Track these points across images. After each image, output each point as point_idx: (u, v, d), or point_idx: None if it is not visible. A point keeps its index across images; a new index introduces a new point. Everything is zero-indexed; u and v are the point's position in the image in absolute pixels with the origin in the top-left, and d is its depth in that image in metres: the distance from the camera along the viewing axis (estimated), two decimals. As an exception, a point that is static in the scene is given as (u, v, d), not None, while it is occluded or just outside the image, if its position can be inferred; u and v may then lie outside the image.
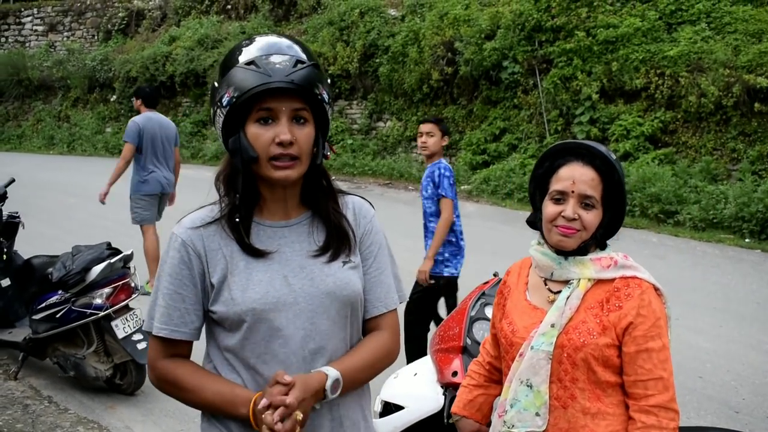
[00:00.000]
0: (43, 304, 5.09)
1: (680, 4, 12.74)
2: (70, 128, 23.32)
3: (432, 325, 5.19)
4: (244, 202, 1.79)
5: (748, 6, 12.24)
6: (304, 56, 1.74)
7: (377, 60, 16.38)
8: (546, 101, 13.52)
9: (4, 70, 24.80)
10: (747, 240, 9.69)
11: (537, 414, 1.95)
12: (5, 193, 5.86)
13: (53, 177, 15.54)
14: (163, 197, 7.78)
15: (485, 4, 14.91)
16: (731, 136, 11.50)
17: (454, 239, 5.37)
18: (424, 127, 5.43)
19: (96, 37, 25.36)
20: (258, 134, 1.71)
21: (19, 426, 4.65)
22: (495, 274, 3.17)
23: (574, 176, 1.99)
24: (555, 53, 13.50)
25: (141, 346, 5.01)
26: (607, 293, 1.97)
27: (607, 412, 1.94)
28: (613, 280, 1.98)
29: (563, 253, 2.03)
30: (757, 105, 11.02)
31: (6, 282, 5.62)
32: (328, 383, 1.73)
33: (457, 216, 5.40)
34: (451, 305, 5.03)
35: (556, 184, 2.02)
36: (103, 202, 7.67)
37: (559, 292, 2.03)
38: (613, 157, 2.02)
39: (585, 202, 1.98)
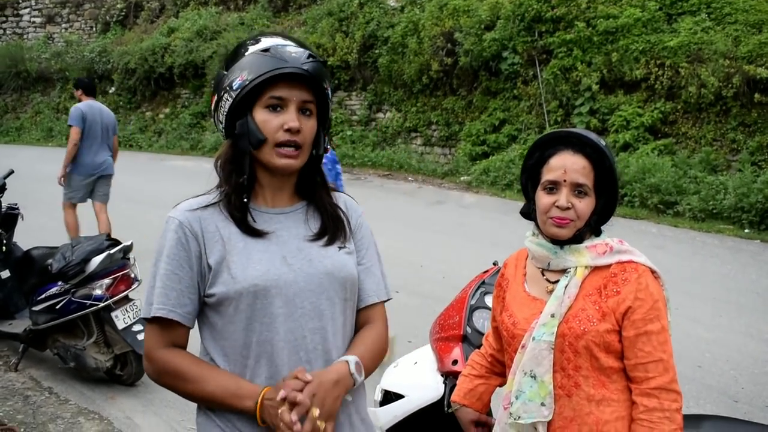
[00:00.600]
0: (43, 296, 5.09)
1: (680, -5, 12.71)
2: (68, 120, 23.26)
3: None
4: (242, 187, 1.82)
5: (748, -4, 12.22)
6: (314, 53, 1.81)
7: (377, 51, 16.34)
8: (546, 92, 13.49)
9: (2, 63, 24.72)
10: (746, 230, 9.70)
11: (542, 404, 1.96)
12: (4, 184, 5.86)
13: (52, 169, 15.44)
14: (100, 180, 8.50)
15: (485, -5, 14.89)
16: (731, 127, 11.49)
17: None
18: None
19: (94, 29, 25.29)
20: (267, 120, 1.76)
21: (20, 417, 4.65)
22: (495, 263, 3.17)
23: (566, 165, 1.99)
24: (555, 44, 13.47)
25: (141, 336, 5.01)
26: (604, 279, 1.97)
27: (611, 398, 1.95)
28: (609, 266, 1.98)
29: (558, 242, 2.03)
30: (757, 96, 11.01)
31: (6, 274, 5.62)
32: (352, 367, 1.77)
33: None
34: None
35: (548, 174, 2.02)
36: (61, 185, 8.37)
37: (557, 281, 2.03)
38: (603, 143, 2.02)
39: (577, 190, 1.99)
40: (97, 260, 4.96)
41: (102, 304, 4.93)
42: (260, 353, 1.76)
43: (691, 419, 2.58)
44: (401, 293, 7.00)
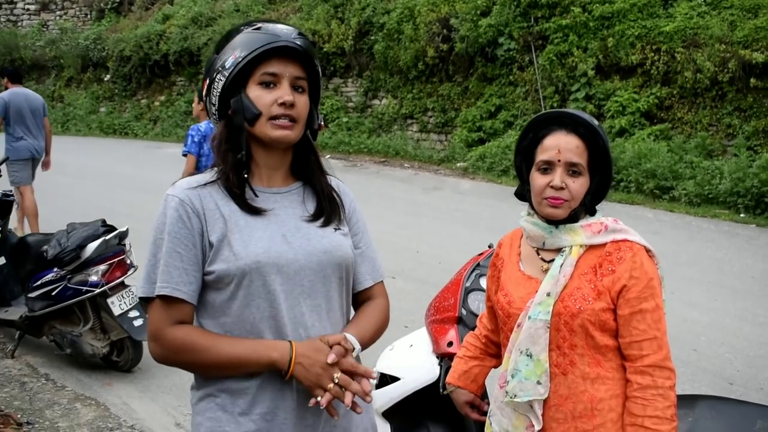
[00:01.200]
0: (39, 282, 5.08)
1: (676, -21, 12.68)
2: (63, 108, 23.24)
3: None
4: (240, 164, 1.82)
5: (744, -20, 12.19)
6: (303, 32, 1.86)
7: (372, 37, 16.30)
8: (542, 78, 13.47)
9: (-3, 50, 24.67)
10: (742, 215, 9.72)
11: (538, 382, 1.96)
12: (-2, 171, 5.85)
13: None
14: (34, 161, 8.72)
15: (480, -20, 14.84)
16: (727, 112, 11.50)
17: None
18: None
19: (89, 16, 25.20)
20: (260, 96, 1.78)
21: (17, 404, 4.66)
22: (490, 246, 3.17)
23: (559, 145, 1.99)
24: (551, 29, 13.44)
25: (137, 322, 5.01)
26: (599, 258, 1.98)
27: (606, 376, 1.96)
28: (604, 244, 1.99)
29: (553, 221, 2.03)
30: (752, 80, 11.02)
31: (1, 261, 5.62)
32: (356, 353, 1.82)
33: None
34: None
35: (542, 155, 2.02)
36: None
37: (552, 260, 2.03)
38: (596, 123, 2.03)
39: (572, 169, 1.99)
40: (92, 246, 4.95)
41: (98, 291, 4.93)
42: (261, 330, 1.76)
43: (685, 399, 2.58)
44: (398, 279, 7.01)
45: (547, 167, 2.00)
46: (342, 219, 1.95)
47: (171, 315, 1.75)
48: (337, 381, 1.70)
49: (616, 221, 2.05)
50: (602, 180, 2.06)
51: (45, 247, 5.11)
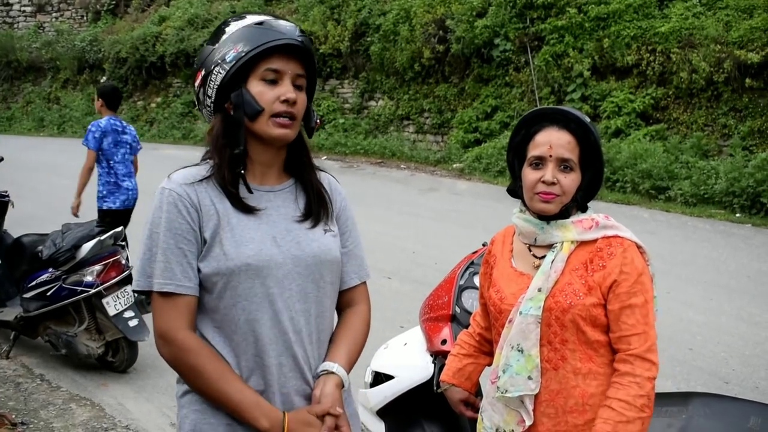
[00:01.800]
0: (34, 283, 5.08)
1: (672, -20, 12.71)
2: (60, 110, 23.22)
3: None
4: (236, 160, 1.80)
5: (739, -19, 12.21)
6: (302, 30, 1.85)
7: (368, 39, 16.30)
8: (538, 78, 13.48)
9: (-7, 52, 24.65)
10: (737, 214, 9.74)
11: (529, 377, 1.97)
12: (-6, 172, 5.84)
13: (44, 158, 15.46)
14: None
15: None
16: (722, 112, 11.52)
17: (113, 179, 6.40)
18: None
19: (85, 18, 25.17)
20: (263, 92, 1.77)
21: (12, 404, 4.64)
22: (484, 244, 3.17)
23: (551, 140, 2.01)
24: (546, 30, 13.46)
25: (133, 323, 5.00)
26: (590, 254, 1.99)
27: (598, 371, 1.96)
28: (595, 240, 2.00)
29: (545, 217, 2.04)
30: (748, 80, 11.03)
31: (-4, 261, 5.61)
32: (346, 386, 1.86)
33: (121, 162, 6.46)
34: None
35: (534, 150, 2.04)
36: None
37: (544, 256, 2.04)
38: (587, 119, 2.05)
39: (563, 165, 2.00)
40: (87, 246, 4.95)
41: (93, 291, 4.92)
42: (247, 332, 1.76)
43: (679, 397, 2.59)
44: (394, 279, 7.02)
45: (539, 163, 2.02)
46: (331, 217, 1.94)
47: (180, 314, 1.73)
48: None
49: (608, 217, 2.06)
50: (594, 177, 2.07)
51: (40, 247, 5.11)
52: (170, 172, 1.83)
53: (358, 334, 1.95)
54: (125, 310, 5.04)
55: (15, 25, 26.39)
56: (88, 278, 4.95)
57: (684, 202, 10.35)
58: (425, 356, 2.79)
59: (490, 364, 2.31)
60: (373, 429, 2.94)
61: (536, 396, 1.99)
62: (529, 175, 2.03)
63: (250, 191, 1.81)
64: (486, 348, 2.34)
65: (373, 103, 16.90)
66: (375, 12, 16.27)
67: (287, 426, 1.70)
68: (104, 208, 6.38)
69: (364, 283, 2.02)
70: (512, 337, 2.00)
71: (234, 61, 1.75)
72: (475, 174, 13.10)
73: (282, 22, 1.82)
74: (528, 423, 1.99)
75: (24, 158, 14.79)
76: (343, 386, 1.83)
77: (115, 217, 6.28)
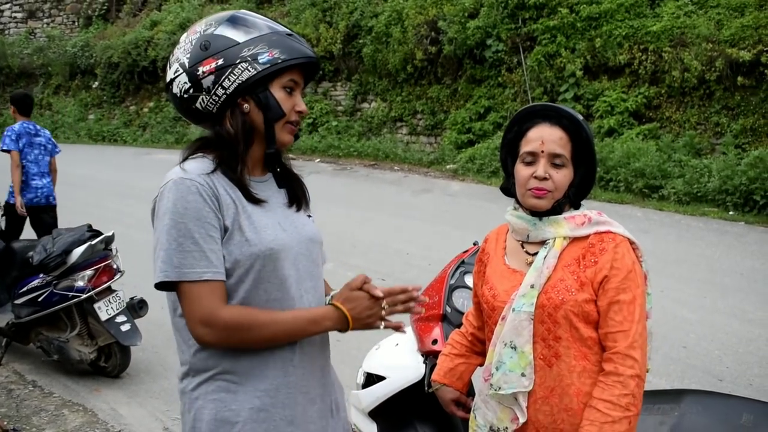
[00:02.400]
0: (25, 288, 5.06)
1: (663, -21, 12.72)
2: (52, 116, 23.15)
3: None
4: (244, 156, 1.91)
5: (730, -21, 12.24)
6: None
7: (361, 41, 16.29)
8: (530, 79, 13.49)
9: (-16, 59, 24.55)
10: (731, 213, 9.75)
11: (522, 374, 1.96)
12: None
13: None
14: None
15: (468, -18, 14.85)
16: (714, 110, 11.53)
17: (24, 177, 6.78)
18: None
19: (76, 24, 25.11)
20: (284, 99, 1.90)
21: (4, 410, 4.63)
22: (475, 243, 3.16)
23: (543, 136, 2.02)
24: (538, 30, 13.47)
25: (125, 327, 4.99)
26: (582, 250, 1.99)
27: (592, 369, 1.95)
28: (588, 236, 2.00)
29: (537, 214, 2.04)
30: (740, 79, 11.05)
31: (-14, 267, 5.58)
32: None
33: (33, 162, 6.93)
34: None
35: (526, 146, 2.04)
36: None
37: (536, 253, 2.04)
38: (579, 116, 2.06)
39: (555, 161, 2.01)
40: (78, 251, 4.93)
41: (84, 296, 4.91)
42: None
43: (671, 394, 2.59)
44: (388, 280, 6.99)
45: (531, 159, 2.03)
46: (308, 204, 2.09)
47: (218, 295, 1.79)
48: (386, 306, 1.88)
49: (600, 214, 2.05)
50: (586, 174, 2.07)
51: (30, 253, 5.09)
52: (178, 165, 1.87)
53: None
54: (117, 314, 5.02)
55: (6, 32, 26.29)
56: (80, 283, 4.93)
57: (677, 200, 10.36)
58: (416, 356, 2.78)
59: (482, 364, 2.29)
60: (366, 430, 2.92)
61: (531, 393, 1.98)
62: (521, 171, 2.04)
63: (252, 192, 1.92)
64: (478, 348, 2.33)
65: (366, 105, 16.89)
66: (367, 14, 16.27)
67: (344, 308, 1.85)
68: (11, 202, 6.73)
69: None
70: (505, 334, 2.00)
71: (268, 65, 1.85)
72: (468, 175, 13.09)
73: (301, 38, 1.95)
74: (522, 420, 1.98)
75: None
76: None
77: (33, 214, 6.83)
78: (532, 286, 1.98)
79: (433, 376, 2.38)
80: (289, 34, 1.91)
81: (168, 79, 1.94)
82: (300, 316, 1.85)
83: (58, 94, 23.98)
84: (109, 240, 5.16)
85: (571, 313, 1.94)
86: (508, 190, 2.15)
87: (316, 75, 2.05)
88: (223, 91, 1.85)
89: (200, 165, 1.86)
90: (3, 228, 6.33)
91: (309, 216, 2.06)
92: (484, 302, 2.13)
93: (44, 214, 6.91)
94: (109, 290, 5.09)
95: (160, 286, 1.80)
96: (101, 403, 4.81)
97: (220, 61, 1.84)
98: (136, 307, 5.14)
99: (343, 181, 13.30)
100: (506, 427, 2.02)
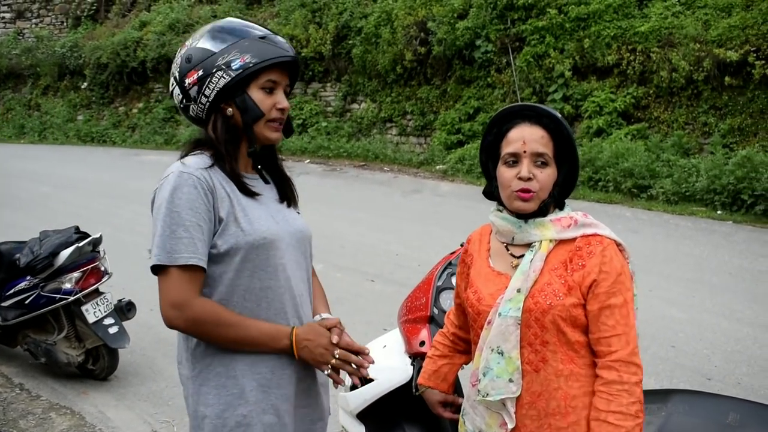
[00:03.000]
0: (12, 291, 5.03)
1: (651, -20, 12.77)
2: (40, 117, 23.02)
3: None
4: (236, 153, 2.07)
5: (717, -20, 12.29)
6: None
7: (350, 41, 16.28)
8: (519, 79, 13.51)
9: (-28, 60, 24.39)
10: (719, 212, 9.79)
11: (510, 380, 1.94)
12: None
13: (25, 166, 15.35)
14: None
15: (457, -17, 14.86)
16: (702, 110, 11.59)
17: None
18: None
19: (65, 24, 24.97)
20: (262, 99, 2.03)
21: (-10, 414, 4.60)
22: (462, 244, 3.16)
23: (524, 136, 1.99)
24: (527, 31, 13.50)
25: (113, 330, 4.97)
26: (569, 253, 1.97)
27: (580, 373, 1.93)
28: (574, 239, 1.98)
29: (523, 216, 2.02)
30: (727, 79, 11.10)
31: (-27, 270, 5.53)
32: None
33: None
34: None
35: (508, 147, 2.02)
36: None
37: (522, 256, 2.01)
38: (558, 114, 2.04)
39: (538, 160, 1.98)
40: (65, 253, 4.90)
41: (72, 298, 4.88)
42: (261, 297, 2.02)
43: (658, 394, 2.59)
44: (377, 281, 7.01)
45: (514, 159, 2.00)
46: (297, 201, 2.25)
47: (195, 284, 1.95)
48: (338, 356, 2.00)
49: (586, 215, 2.03)
50: (569, 172, 2.05)
51: (17, 255, 5.06)
52: (179, 160, 2.04)
53: (324, 296, 2.32)
54: (105, 317, 5.00)
55: (-6, 32, 26.17)
56: (67, 285, 4.91)
57: (666, 200, 10.40)
58: (404, 358, 2.78)
59: (466, 363, 2.29)
60: (354, 432, 2.92)
61: (518, 398, 1.96)
62: (504, 173, 2.01)
63: (247, 185, 2.08)
64: (461, 347, 2.32)
65: (355, 105, 16.88)
66: (356, 15, 16.26)
67: (297, 337, 2.00)
68: None
69: None
70: (492, 339, 1.97)
71: (241, 70, 1.98)
72: (458, 175, 13.10)
73: (279, 38, 2.07)
74: (510, 426, 1.97)
75: (5, 166, 14.69)
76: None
77: None
78: (518, 290, 1.95)
79: (419, 380, 2.38)
80: (262, 37, 2.02)
81: (169, 92, 2.14)
82: (264, 330, 2.00)
83: (46, 94, 23.85)
84: (97, 242, 5.13)
85: (559, 317, 1.92)
86: (492, 193, 2.13)
87: (299, 71, 2.14)
88: (206, 99, 2.03)
89: (199, 160, 2.03)
90: None
91: (298, 212, 2.21)
92: (469, 306, 2.10)
93: None
94: (97, 292, 5.06)
95: (155, 270, 1.95)
96: (89, 406, 4.78)
97: (200, 72, 2.01)
98: (124, 310, 5.12)
99: (333, 182, 13.30)
100: None
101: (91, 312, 4.94)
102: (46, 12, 25.60)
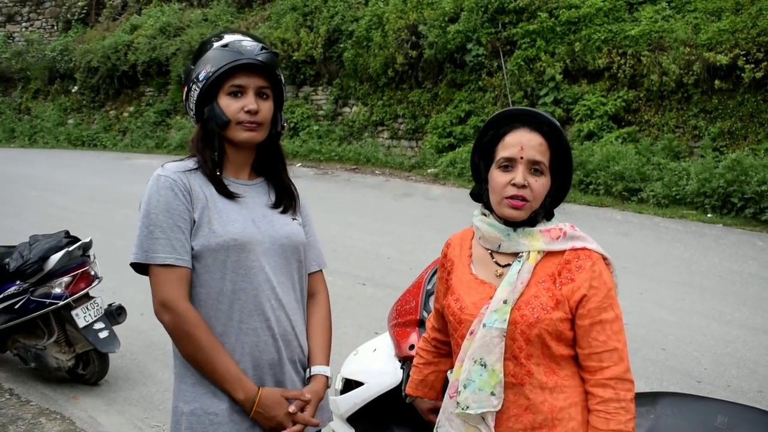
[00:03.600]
0: (1, 296, 4.99)
1: (641, -16, 12.82)
2: (31, 120, 22.96)
3: None
4: (215, 160, 2.12)
5: (707, -16, 12.35)
6: (266, 46, 2.17)
7: (341, 45, 16.29)
8: (510, 83, 13.54)
9: (-38, 63, 24.31)
10: (709, 215, 9.82)
11: (492, 393, 1.89)
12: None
13: (15, 170, 15.29)
14: None
15: (448, -13, 14.88)
16: (692, 114, 11.63)
17: None
18: None
19: (55, 27, 24.93)
20: (229, 104, 2.08)
21: (-20, 419, 4.57)
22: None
23: (522, 142, 1.93)
24: (518, 35, 13.52)
25: (103, 334, 4.95)
26: (558, 266, 1.92)
27: (564, 384, 1.91)
28: (563, 252, 1.93)
29: (511, 224, 1.97)
30: (717, 82, 11.14)
31: (-37, 275, 5.51)
32: (329, 381, 2.22)
33: None
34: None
35: (504, 151, 1.95)
36: None
37: (507, 265, 1.96)
38: (558, 123, 1.99)
39: (534, 168, 1.93)
40: (55, 258, 4.89)
41: (62, 303, 4.86)
42: (234, 300, 2.06)
43: (647, 397, 2.60)
44: (368, 285, 7.01)
45: (509, 164, 1.94)
46: (297, 209, 2.27)
47: (181, 284, 2.01)
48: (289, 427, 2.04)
49: (574, 227, 1.99)
50: (562, 183, 2.01)
51: (7, 259, 5.03)
52: (163, 164, 2.12)
53: (327, 326, 2.30)
54: (95, 321, 4.99)
55: (-16, 36, 26.08)
56: (57, 290, 4.89)
57: (656, 203, 10.44)
58: (394, 362, 2.78)
59: (452, 367, 2.28)
60: (344, 436, 2.92)
61: (503, 412, 1.91)
62: (498, 177, 1.95)
63: (225, 186, 2.12)
64: (444, 350, 2.27)
65: (347, 109, 16.87)
66: (348, 18, 16.27)
67: (258, 401, 2.01)
68: None
69: (321, 271, 2.36)
70: (474, 351, 1.91)
71: (204, 80, 2.07)
72: (449, 179, 13.12)
73: (246, 43, 2.11)
74: None
75: (-6, 170, 14.63)
76: (327, 379, 2.21)
77: None
78: (504, 302, 1.89)
79: (407, 389, 2.36)
80: (225, 45, 2.09)
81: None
82: (231, 372, 2.02)
83: (37, 98, 23.78)
84: (87, 246, 5.12)
85: (546, 331, 1.88)
86: (479, 196, 2.07)
87: (273, 70, 2.14)
88: (192, 111, 2.16)
89: (180, 164, 2.11)
90: None
91: (294, 219, 2.22)
92: (450, 313, 2.03)
93: None
94: (87, 297, 5.05)
95: (134, 268, 2.05)
96: (79, 411, 4.76)
97: (186, 88, 2.15)
98: (115, 314, 5.11)
99: (324, 185, 13.28)
100: None
101: (81, 316, 4.92)
102: (36, 15, 25.57)
